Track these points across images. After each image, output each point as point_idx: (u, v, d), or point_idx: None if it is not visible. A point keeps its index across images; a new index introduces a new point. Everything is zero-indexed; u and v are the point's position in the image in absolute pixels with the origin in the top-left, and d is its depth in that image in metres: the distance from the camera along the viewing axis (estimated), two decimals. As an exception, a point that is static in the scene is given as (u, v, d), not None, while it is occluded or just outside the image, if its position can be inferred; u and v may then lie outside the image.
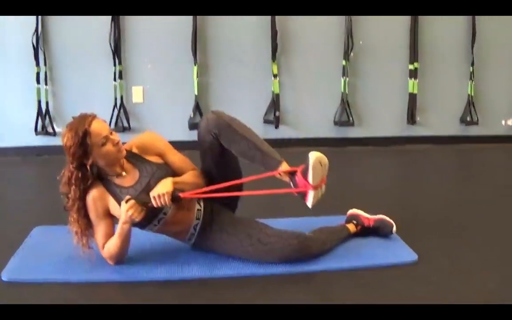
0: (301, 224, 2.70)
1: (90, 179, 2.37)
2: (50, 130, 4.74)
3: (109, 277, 2.37)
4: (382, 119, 5.38)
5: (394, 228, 2.80)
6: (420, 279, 2.40)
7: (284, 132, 5.17)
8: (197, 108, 4.89)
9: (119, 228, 2.36)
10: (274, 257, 2.47)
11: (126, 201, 2.31)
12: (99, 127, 2.32)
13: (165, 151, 2.54)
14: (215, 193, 2.45)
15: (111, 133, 2.34)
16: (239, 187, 2.58)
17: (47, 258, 2.52)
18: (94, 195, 2.38)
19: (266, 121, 5.15)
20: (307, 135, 5.25)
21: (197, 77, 4.76)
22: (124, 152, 2.40)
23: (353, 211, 2.91)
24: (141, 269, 2.43)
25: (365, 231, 2.82)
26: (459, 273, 2.47)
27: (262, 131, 5.15)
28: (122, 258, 2.44)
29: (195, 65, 4.73)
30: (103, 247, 2.42)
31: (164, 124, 4.86)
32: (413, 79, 5.22)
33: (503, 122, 5.51)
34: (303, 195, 2.35)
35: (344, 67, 5.10)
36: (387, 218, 2.83)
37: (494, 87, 5.43)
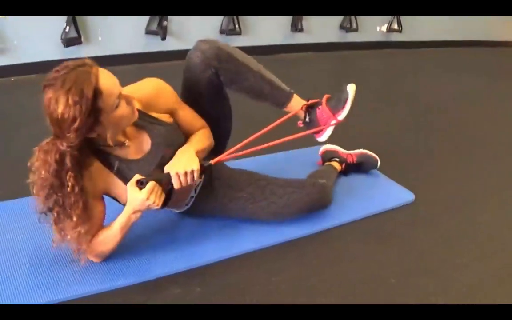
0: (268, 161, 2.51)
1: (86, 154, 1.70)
2: None
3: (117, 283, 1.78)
4: (268, 27, 5.09)
5: (379, 162, 2.64)
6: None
7: (170, 44, 4.60)
8: (74, 21, 4.05)
9: (124, 218, 1.74)
10: (292, 210, 2.10)
11: (139, 183, 1.69)
12: (111, 82, 1.59)
13: (177, 106, 1.93)
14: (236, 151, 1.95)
15: None
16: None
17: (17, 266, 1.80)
18: (92, 173, 1.71)
19: (149, 32, 4.52)
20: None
21: (72, -18, 3.88)
22: (137, 114, 1.72)
23: (327, 147, 2.68)
24: (141, 263, 1.88)
25: (348, 168, 2.62)
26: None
27: (144, 45, 4.57)
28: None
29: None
30: (91, 240, 1.76)
31: (34, 41, 3.96)
32: (299, -15, 4.98)
33: (377, 28, 5.62)
34: (316, 132, 2.11)
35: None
36: (370, 152, 2.66)
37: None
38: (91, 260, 1.83)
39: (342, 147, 2.68)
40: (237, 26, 4.86)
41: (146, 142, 1.80)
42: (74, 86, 1.50)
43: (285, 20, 5.12)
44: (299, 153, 2.82)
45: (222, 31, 4.85)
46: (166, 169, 1.78)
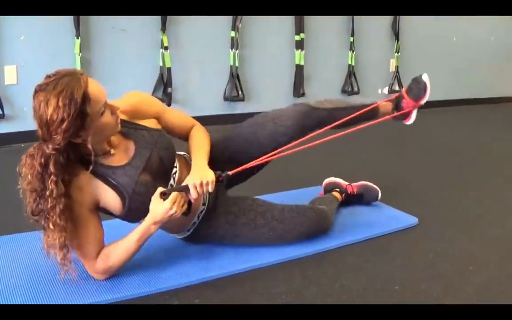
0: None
1: (72, 163, 1.75)
2: None
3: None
4: (270, 92, 5.22)
5: (380, 194, 2.64)
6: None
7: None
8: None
9: (144, 227, 1.80)
10: (293, 235, 2.14)
11: (163, 195, 1.78)
12: (98, 90, 1.68)
13: (161, 111, 2.02)
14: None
15: None
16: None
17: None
18: (80, 182, 1.75)
19: (155, 100, 4.64)
20: (198, 113, 4.83)
21: (79, 52, 4.03)
22: (119, 125, 1.80)
23: (329, 180, 2.71)
24: (143, 279, 1.87)
25: (349, 200, 2.62)
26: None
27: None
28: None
29: (77, 38, 4.01)
30: (97, 256, 1.80)
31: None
32: (299, 50, 5.13)
33: (379, 90, 5.73)
34: (403, 117, 2.50)
35: (233, 38, 4.80)
36: (371, 184, 2.67)
37: (371, 58, 5.61)
38: (96, 278, 1.84)
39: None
40: (240, 92, 4.98)
41: (131, 148, 1.86)
42: (65, 89, 1.59)
43: (287, 86, 5.24)
44: (300, 192, 2.80)
45: (226, 98, 4.97)
46: (184, 182, 1.85)
